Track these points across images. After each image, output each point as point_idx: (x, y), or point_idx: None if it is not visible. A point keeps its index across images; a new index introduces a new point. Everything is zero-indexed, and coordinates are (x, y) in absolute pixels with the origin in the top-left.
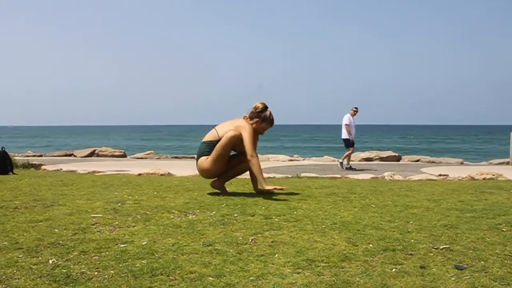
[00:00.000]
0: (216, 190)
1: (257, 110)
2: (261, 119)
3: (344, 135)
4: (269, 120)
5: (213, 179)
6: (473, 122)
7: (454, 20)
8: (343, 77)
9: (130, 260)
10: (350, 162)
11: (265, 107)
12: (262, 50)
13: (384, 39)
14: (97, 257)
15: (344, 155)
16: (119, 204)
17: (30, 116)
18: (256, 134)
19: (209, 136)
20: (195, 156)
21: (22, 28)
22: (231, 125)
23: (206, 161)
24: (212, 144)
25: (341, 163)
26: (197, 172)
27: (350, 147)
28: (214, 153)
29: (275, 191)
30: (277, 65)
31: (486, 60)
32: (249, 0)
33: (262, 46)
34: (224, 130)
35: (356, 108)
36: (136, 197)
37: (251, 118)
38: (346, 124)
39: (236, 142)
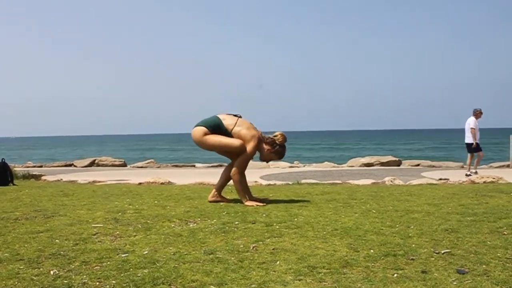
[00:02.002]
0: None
1: (277, 141)
2: (274, 150)
3: (469, 139)
4: (279, 156)
5: (212, 196)
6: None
7: (454, 22)
8: (342, 82)
9: (131, 269)
10: (472, 168)
11: (284, 142)
12: (262, 54)
13: (384, 42)
14: (98, 267)
15: (468, 162)
16: (120, 213)
17: (31, 127)
18: (256, 154)
19: (227, 121)
20: (198, 125)
21: (20, 37)
22: (248, 132)
23: (204, 136)
24: (220, 129)
25: (470, 172)
26: (197, 181)
27: (475, 152)
28: (217, 140)
29: (255, 205)
30: (277, 70)
31: (486, 62)
32: (248, 4)
33: (261, 50)
34: (239, 130)
35: (480, 110)
36: (137, 206)
37: (266, 142)
38: (472, 128)
39: (239, 150)
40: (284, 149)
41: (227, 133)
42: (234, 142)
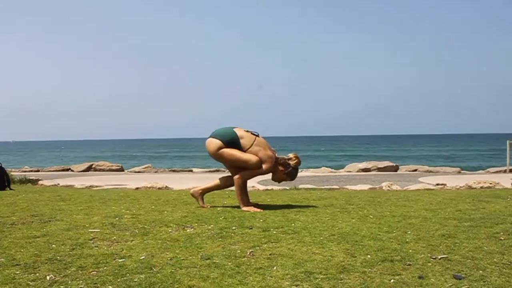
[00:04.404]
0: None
1: (291, 164)
2: (287, 171)
3: None
4: (292, 177)
5: (194, 191)
6: (471, 131)
7: (454, 24)
8: (341, 88)
9: (128, 275)
10: None
11: (298, 164)
12: (261, 60)
13: (384, 49)
14: (95, 272)
15: None
16: (117, 218)
17: (30, 131)
18: (268, 173)
19: (245, 140)
20: (214, 136)
21: (20, 43)
22: (265, 152)
23: (220, 150)
24: (236, 145)
25: None
26: (194, 186)
27: None
28: (235, 155)
29: (252, 210)
30: (276, 74)
31: (485, 65)
32: (247, 9)
33: (261, 55)
34: (256, 150)
35: None
36: (134, 211)
37: (279, 163)
38: None
39: (254, 167)
40: (297, 172)
41: (242, 150)
42: (252, 158)
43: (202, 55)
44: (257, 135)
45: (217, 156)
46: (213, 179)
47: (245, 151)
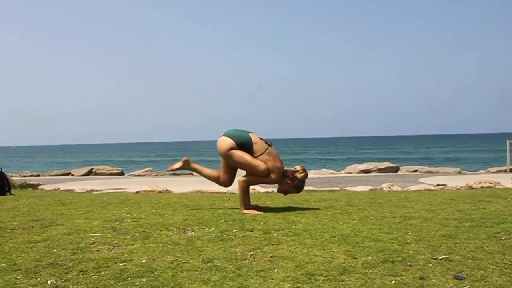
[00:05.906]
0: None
1: (299, 176)
2: (293, 184)
3: None
4: (298, 190)
5: (190, 162)
6: (472, 131)
7: (451, 24)
8: (339, 90)
9: (129, 278)
10: None
11: (305, 177)
12: (261, 60)
13: (384, 49)
14: (96, 276)
15: None
16: (118, 222)
17: (32, 135)
18: (274, 183)
19: (258, 146)
20: (227, 135)
21: (20, 45)
22: (274, 163)
23: (231, 150)
24: (247, 149)
25: None
26: (195, 189)
27: None
28: (247, 159)
29: (252, 213)
30: (276, 76)
31: (485, 65)
32: (247, 9)
33: (261, 55)
34: (266, 159)
35: None
36: (135, 215)
37: (286, 174)
38: None
39: (262, 174)
40: (303, 184)
41: (252, 155)
42: (261, 165)
43: (202, 55)
44: (270, 145)
45: (226, 155)
46: (215, 184)
47: (255, 157)
